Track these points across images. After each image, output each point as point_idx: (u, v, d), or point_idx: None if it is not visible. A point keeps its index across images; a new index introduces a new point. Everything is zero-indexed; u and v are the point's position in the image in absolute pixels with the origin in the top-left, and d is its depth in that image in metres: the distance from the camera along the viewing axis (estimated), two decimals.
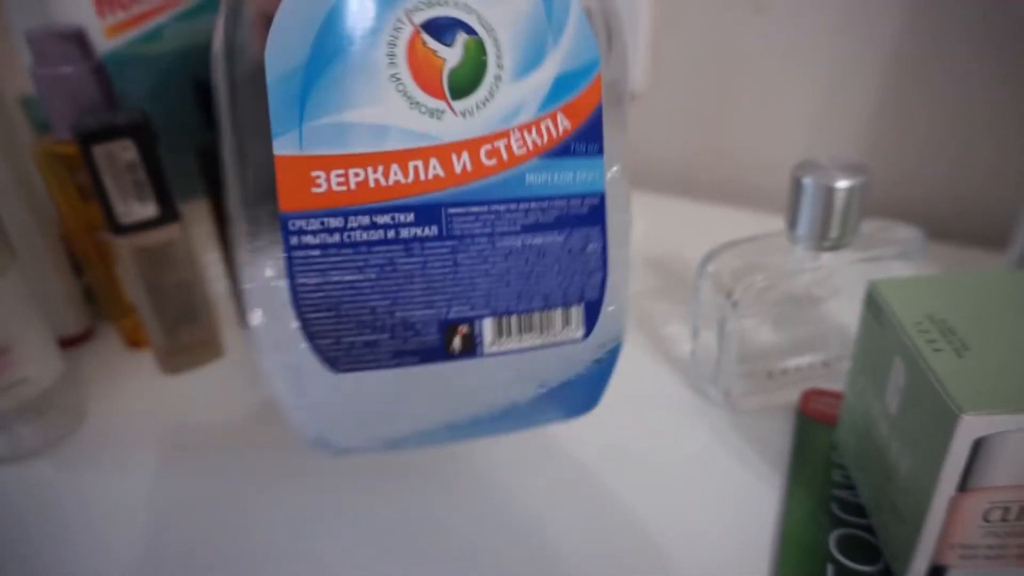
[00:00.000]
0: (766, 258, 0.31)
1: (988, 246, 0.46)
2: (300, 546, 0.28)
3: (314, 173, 0.18)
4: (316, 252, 0.19)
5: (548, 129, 0.20)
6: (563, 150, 0.20)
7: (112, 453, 0.34)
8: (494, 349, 0.21)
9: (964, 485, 0.21)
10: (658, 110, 0.58)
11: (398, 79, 0.19)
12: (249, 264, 0.19)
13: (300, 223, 0.18)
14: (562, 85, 0.20)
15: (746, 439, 0.32)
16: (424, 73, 0.19)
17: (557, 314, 0.21)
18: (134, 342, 0.43)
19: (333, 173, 0.18)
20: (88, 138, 0.34)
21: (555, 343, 0.22)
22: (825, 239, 0.29)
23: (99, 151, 0.35)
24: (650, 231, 0.49)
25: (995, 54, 0.45)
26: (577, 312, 0.22)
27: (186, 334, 0.40)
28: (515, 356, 0.21)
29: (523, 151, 0.20)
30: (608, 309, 0.22)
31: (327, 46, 0.18)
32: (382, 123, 0.18)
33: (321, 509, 0.30)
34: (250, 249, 0.19)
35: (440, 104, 0.19)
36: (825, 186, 0.28)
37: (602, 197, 0.21)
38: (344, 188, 0.18)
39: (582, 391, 0.24)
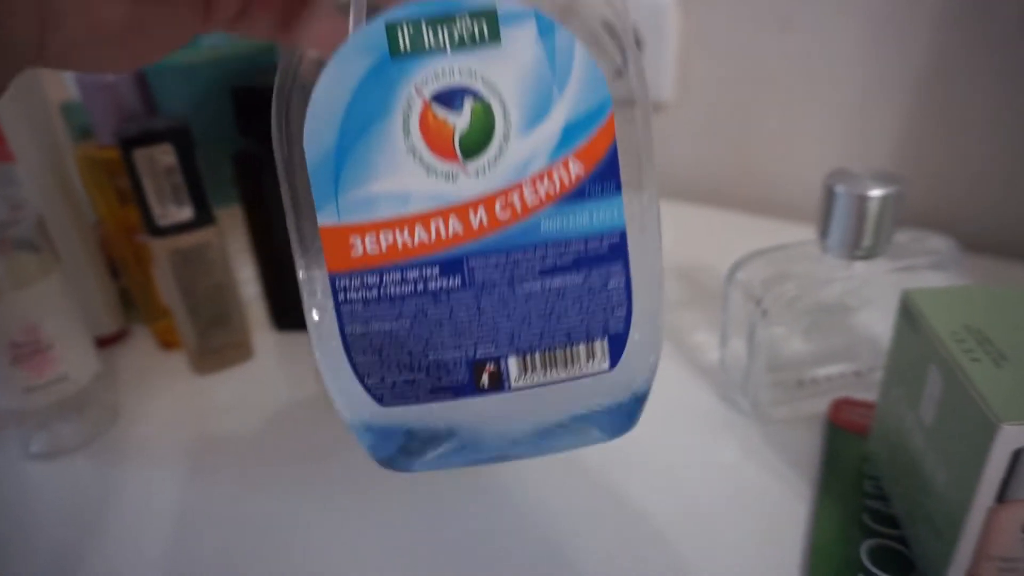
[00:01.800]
0: (796, 267, 0.31)
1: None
2: (323, 550, 0.29)
3: (351, 239, 0.20)
4: (359, 306, 0.21)
5: (560, 177, 0.21)
6: (578, 194, 0.21)
7: (145, 451, 0.36)
8: (521, 383, 0.22)
9: (1002, 496, 0.20)
10: (685, 122, 0.58)
11: (414, 150, 0.20)
12: (311, 308, 0.22)
13: (344, 282, 0.21)
14: (572, 131, 0.20)
15: (775, 449, 0.32)
16: (437, 141, 0.20)
17: (581, 349, 0.22)
18: (166, 343, 0.44)
19: (367, 237, 0.20)
20: (130, 142, 0.36)
21: (581, 376, 0.23)
22: (858, 248, 0.29)
23: (140, 155, 0.36)
24: (677, 241, 0.49)
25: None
26: (601, 346, 0.23)
27: (218, 336, 0.42)
28: (544, 388, 0.22)
29: (536, 201, 0.21)
30: (635, 338, 0.23)
31: (352, 128, 0.20)
32: (404, 191, 0.20)
33: (345, 510, 0.31)
34: (307, 293, 0.22)
35: (454, 167, 0.20)
36: (858, 194, 0.28)
37: (622, 234, 0.22)
38: (377, 250, 0.21)
39: (618, 415, 0.25)
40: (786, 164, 0.56)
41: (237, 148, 0.41)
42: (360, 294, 0.21)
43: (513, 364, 0.22)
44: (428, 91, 0.19)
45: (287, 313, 0.45)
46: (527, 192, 0.20)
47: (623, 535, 0.29)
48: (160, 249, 0.39)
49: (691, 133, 0.59)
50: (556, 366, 0.22)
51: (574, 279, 0.22)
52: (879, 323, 0.30)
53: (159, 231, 0.38)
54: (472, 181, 0.20)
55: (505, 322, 0.22)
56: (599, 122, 0.20)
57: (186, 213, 0.38)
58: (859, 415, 0.32)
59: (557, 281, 0.22)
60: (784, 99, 0.53)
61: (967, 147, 0.48)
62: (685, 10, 0.53)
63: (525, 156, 0.20)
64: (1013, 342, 0.22)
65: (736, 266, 0.32)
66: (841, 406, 0.33)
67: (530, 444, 0.24)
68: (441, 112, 0.20)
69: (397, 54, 0.19)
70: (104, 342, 0.44)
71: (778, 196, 0.57)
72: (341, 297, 0.21)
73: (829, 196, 0.29)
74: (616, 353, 0.23)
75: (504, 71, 0.19)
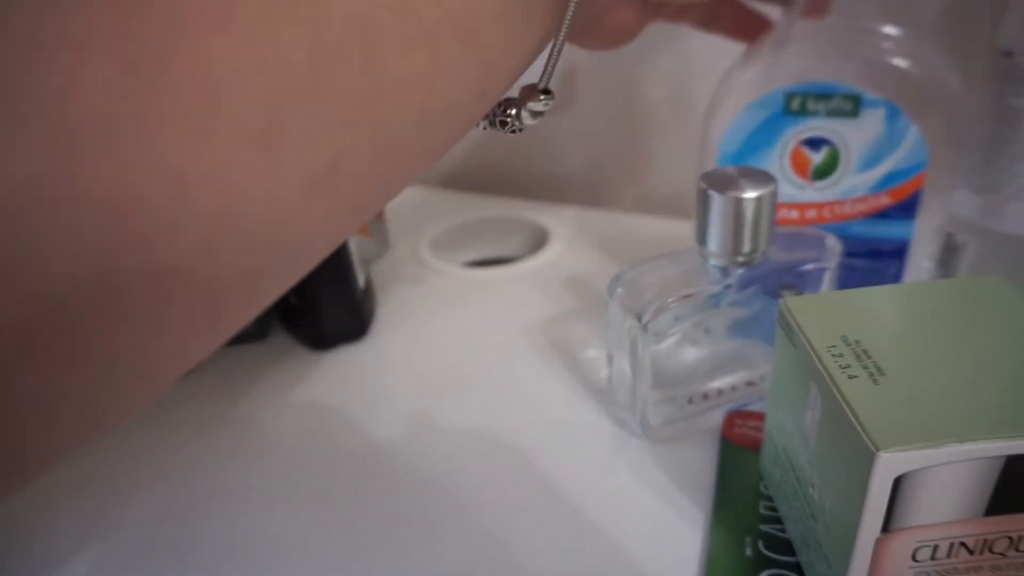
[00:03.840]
0: (677, 276, 0.29)
1: None
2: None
3: None
4: None
5: (873, 202, 0.32)
6: (882, 215, 0.32)
7: None
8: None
9: (888, 525, 0.19)
10: (574, 122, 0.56)
11: (783, 169, 0.32)
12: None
13: None
14: (891, 177, 0.31)
15: (668, 472, 0.30)
16: (799, 167, 0.32)
17: None
18: None
19: None
20: None
21: None
22: (738, 254, 0.28)
23: None
24: (571, 245, 0.50)
25: None
26: None
27: None
28: None
29: (854, 212, 0.32)
30: None
31: (750, 146, 0.32)
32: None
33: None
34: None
35: (805, 183, 0.32)
36: (734, 197, 0.27)
37: (907, 242, 0.33)
38: None
39: None
40: (682, 159, 0.53)
41: None
42: None
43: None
44: (801, 137, 0.31)
45: None
46: (848, 206, 0.32)
47: (503, 568, 0.27)
48: None
49: (578, 134, 0.57)
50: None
51: (863, 263, 0.33)
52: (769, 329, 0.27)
53: None
54: (814, 192, 0.32)
55: None
56: (912, 176, 0.31)
57: None
58: (754, 428, 0.31)
59: (855, 261, 0.33)
60: (671, 90, 0.51)
61: None
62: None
63: (853, 186, 0.32)
64: (890, 353, 0.21)
65: (616, 279, 0.30)
66: (734, 419, 0.31)
67: None
68: (806, 150, 0.32)
69: (789, 112, 0.31)
70: None
71: (677, 192, 0.55)
72: None
73: (704, 200, 0.27)
74: None
75: (855, 134, 0.31)
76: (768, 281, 0.29)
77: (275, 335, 0.44)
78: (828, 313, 0.23)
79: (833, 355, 0.21)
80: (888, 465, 0.18)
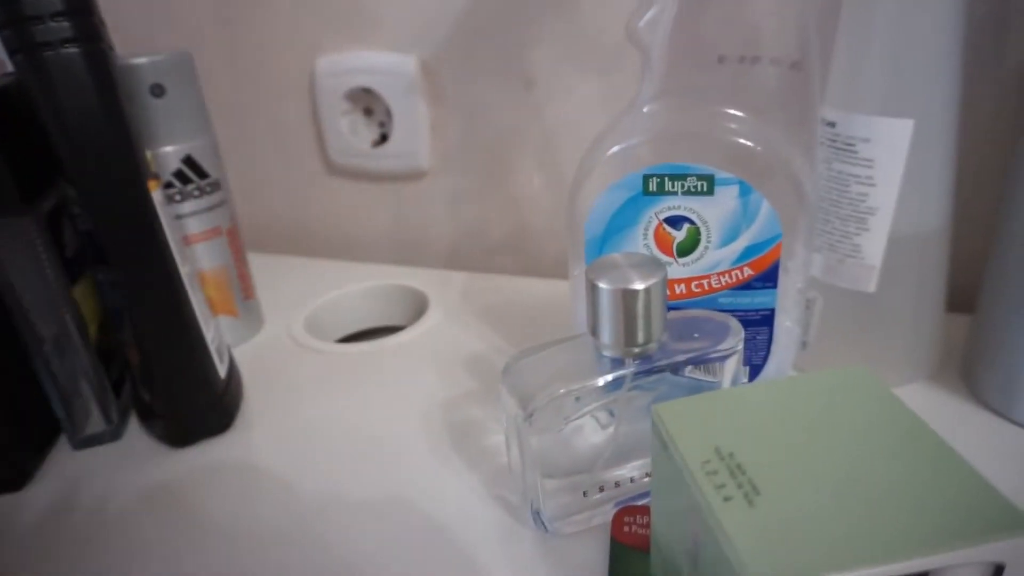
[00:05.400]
0: (572, 365, 0.29)
1: None
2: None
3: None
4: None
5: (736, 275, 0.32)
6: (746, 286, 0.33)
7: None
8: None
9: None
10: (447, 189, 0.58)
11: (648, 246, 0.32)
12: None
13: None
14: (751, 250, 0.32)
15: (560, 571, 0.29)
16: (663, 244, 0.32)
17: None
18: None
19: None
20: None
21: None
22: (632, 345, 0.27)
23: None
24: (461, 317, 0.49)
25: None
26: (745, 370, 0.35)
27: None
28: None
29: (719, 285, 0.33)
30: (770, 368, 0.35)
31: (615, 226, 0.32)
32: None
33: None
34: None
35: (670, 260, 0.32)
36: (623, 289, 0.26)
37: (772, 311, 0.33)
38: None
39: None
40: (555, 221, 0.55)
41: None
42: None
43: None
44: (662, 216, 0.32)
45: None
46: (713, 281, 0.33)
47: None
48: None
49: (456, 199, 0.58)
50: (709, 374, 0.34)
51: None
52: None
53: None
54: (680, 268, 0.33)
55: None
56: (770, 246, 0.32)
57: None
58: (643, 525, 0.29)
59: None
60: (541, 156, 0.53)
61: None
62: (430, 75, 0.54)
63: (716, 260, 0.32)
64: (764, 465, 0.20)
65: (507, 367, 0.29)
66: (623, 517, 0.30)
67: None
68: (668, 228, 0.32)
69: (648, 192, 0.31)
70: None
71: (554, 254, 0.57)
72: None
73: (593, 292, 0.27)
74: (754, 377, 0.35)
75: (712, 211, 0.31)
76: (675, 367, 0.29)
77: (130, 434, 0.40)
78: (701, 420, 0.22)
79: (708, 472, 0.20)
80: None
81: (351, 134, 0.58)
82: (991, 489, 0.19)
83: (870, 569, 0.17)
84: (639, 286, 0.26)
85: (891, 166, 0.34)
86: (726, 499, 0.19)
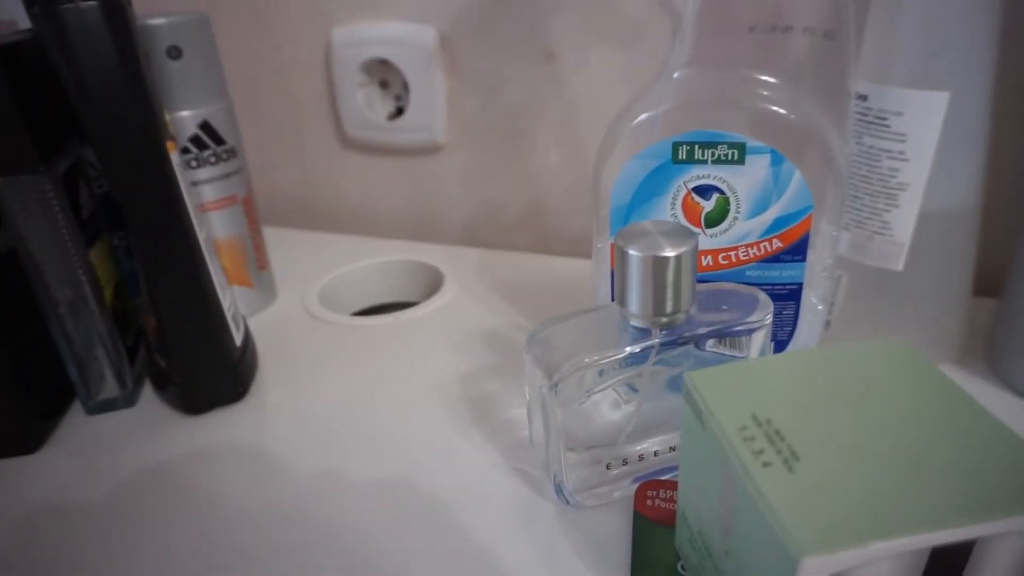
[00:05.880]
0: (598, 334, 0.28)
1: None
2: None
3: None
4: None
5: (765, 247, 0.32)
6: (774, 259, 0.32)
7: None
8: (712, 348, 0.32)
9: None
10: (465, 164, 0.56)
11: (675, 216, 0.32)
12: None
13: None
14: (780, 222, 0.31)
15: (582, 544, 0.28)
16: (690, 214, 0.32)
17: None
18: None
19: None
20: None
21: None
22: (661, 314, 0.27)
23: None
24: (468, 297, 0.48)
25: None
26: (771, 345, 0.34)
27: None
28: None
29: (747, 257, 0.32)
30: (797, 343, 0.35)
31: (642, 196, 0.32)
32: None
33: None
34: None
35: (698, 231, 0.32)
36: (652, 256, 0.26)
37: (800, 285, 0.33)
38: None
39: None
40: (573, 198, 0.55)
41: None
42: None
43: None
44: (691, 185, 0.31)
45: None
46: (741, 253, 0.32)
47: None
48: None
49: (472, 174, 0.57)
50: (734, 348, 0.34)
51: None
52: None
53: None
54: (708, 240, 0.32)
55: None
56: (800, 219, 0.31)
57: None
58: (666, 499, 0.29)
59: None
60: (560, 131, 0.52)
61: None
62: (448, 47, 0.53)
63: (744, 232, 0.32)
64: (803, 433, 0.19)
65: (531, 336, 0.29)
66: (646, 491, 0.29)
67: None
68: (696, 198, 0.31)
69: (677, 161, 0.31)
70: None
71: (571, 232, 0.56)
72: None
73: (622, 260, 0.26)
74: (778, 352, 0.34)
75: (742, 181, 0.30)
76: (700, 340, 0.28)
77: (144, 401, 0.40)
78: (736, 388, 0.21)
79: (745, 439, 0.20)
80: (812, 571, 0.16)
81: (367, 107, 0.57)
82: None
83: (916, 536, 0.17)
84: (670, 253, 0.26)
85: (924, 141, 0.33)
86: (765, 465, 0.19)
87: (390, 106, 0.58)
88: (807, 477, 0.18)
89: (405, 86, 0.55)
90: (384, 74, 0.56)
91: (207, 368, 0.37)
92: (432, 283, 0.53)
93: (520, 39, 0.51)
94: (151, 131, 0.32)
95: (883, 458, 0.19)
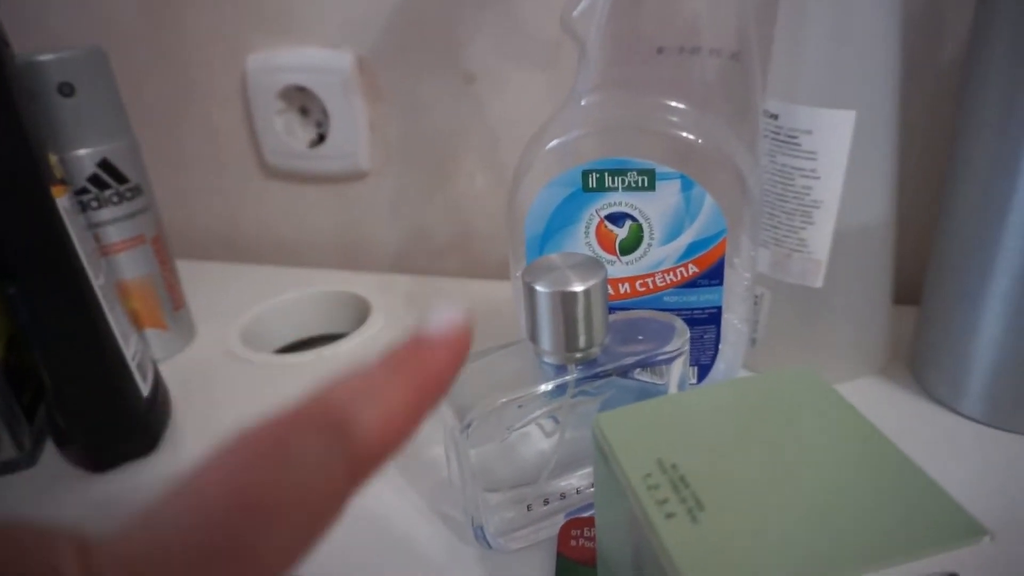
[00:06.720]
0: (512, 373, 0.28)
1: None
2: None
3: None
4: None
5: (681, 273, 0.31)
6: (692, 284, 0.32)
7: None
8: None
9: None
10: (389, 190, 0.55)
11: (590, 245, 0.31)
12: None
13: None
14: (695, 247, 0.31)
15: None
16: (604, 242, 0.31)
17: None
18: None
19: None
20: None
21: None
22: (573, 350, 0.26)
23: None
24: (395, 327, 0.46)
25: None
26: (693, 371, 0.34)
27: None
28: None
29: (664, 283, 0.32)
30: (719, 367, 0.34)
31: (556, 225, 0.31)
32: None
33: None
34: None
35: (613, 258, 0.31)
36: (559, 292, 0.25)
37: (719, 308, 0.32)
38: None
39: None
40: (501, 222, 0.54)
41: None
42: None
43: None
44: (603, 213, 0.30)
45: None
46: (657, 279, 0.31)
47: None
48: None
49: (399, 200, 0.56)
50: (659, 376, 0.34)
51: None
52: None
53: None
54: (623, 267, 0.31)
55: None
56: (715, 243, 0.30)
57: None
58: (591, 539, 0.28)
59: None
60: (483, 155, 0.52)
61: None
62: (367, 72, 0.52)
63: (660, 258, 0.31)
64: (708, 477, 0.19)
65: None
66: (570, 531, 0.28)
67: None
68: (610, 226, 0.31)
69: (588, 189, 0.30)
70: None
71: (500, 256, 0.52)
72: None
73: (531, 296, 0.26)
74: (702, 376, 0.34)
75: (654, 207, 0.30)
76: (619, 371, 0.28)
77: (48, 458, 0.37)
78: (643, 430, 0.21)
79: (649, 487, 0.19)
80: None
81: (287, 134, 0.55)
82: (943, 495, 0.18)
83: None
84: (579, 288, 0.25)
85: (834, 158, 0.33)
86: (668, 516, 0.18)
87: (311, 133, 0.56)
88: (710, 528, 0.18)
89: (325, 112, 0.54)
90: (303, 101, 0.55)
91: (109, 423, 0.35)
92: (360, 313, 0.51)
93: (439, 62, 0.50)
94: (30, 176, 0.30)
95: (788, 502, 0.18)
